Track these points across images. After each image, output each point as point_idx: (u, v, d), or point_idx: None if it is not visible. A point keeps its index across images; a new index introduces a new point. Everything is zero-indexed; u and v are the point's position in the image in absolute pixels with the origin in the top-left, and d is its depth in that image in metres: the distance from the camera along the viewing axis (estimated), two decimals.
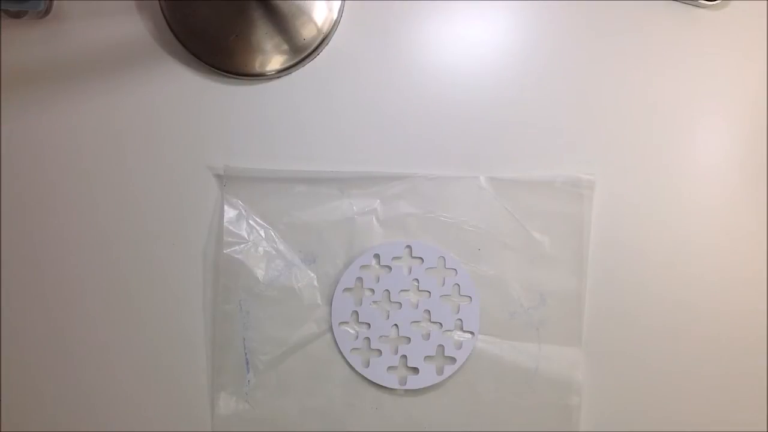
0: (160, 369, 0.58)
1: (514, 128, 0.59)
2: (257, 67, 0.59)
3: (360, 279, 0.58)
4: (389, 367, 0.57)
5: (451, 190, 0.58)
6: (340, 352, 0.57)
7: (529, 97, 0.59)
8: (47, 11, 0.58)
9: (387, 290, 0.58)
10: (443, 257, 0.58)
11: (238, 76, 0.59)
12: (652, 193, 0.59)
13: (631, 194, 0.59)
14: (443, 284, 0.58)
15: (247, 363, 0.57)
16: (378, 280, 0.58)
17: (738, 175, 0.59)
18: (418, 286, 0.58)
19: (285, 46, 0.59)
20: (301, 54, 0.59)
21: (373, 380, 0.57)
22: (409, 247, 0.58)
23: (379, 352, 0.57)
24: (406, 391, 0.57)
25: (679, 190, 0.59)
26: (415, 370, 0.57)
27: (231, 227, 0.57)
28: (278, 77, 0.59)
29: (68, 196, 0.58)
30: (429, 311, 0.57)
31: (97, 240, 0.58)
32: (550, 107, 0.59)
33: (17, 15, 0.57)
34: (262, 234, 0.58)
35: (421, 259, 0.58)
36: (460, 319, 0.57)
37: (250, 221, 0.58)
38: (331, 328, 0.57)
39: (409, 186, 0.58)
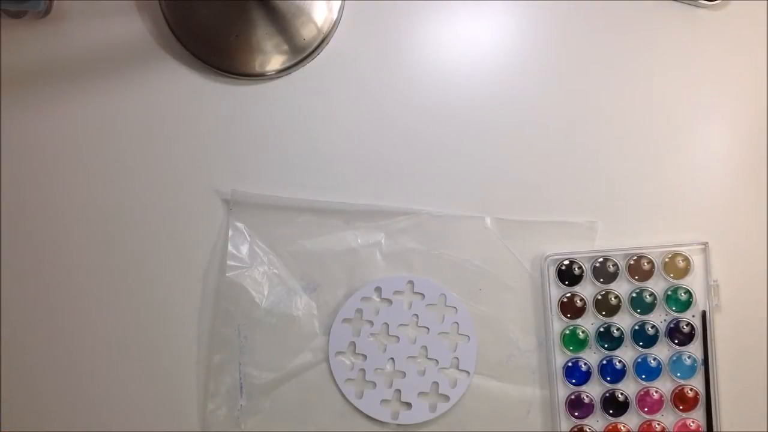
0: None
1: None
2: (257, 67, 0.59)
3: (360, 310, 0.58)
4: (383, 401, 0.57)
5: (456, 229, 0.58)
6: (335, 382, 0.57)
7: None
8: (47, 11, 0.57)
9: (386, 323, 0.58)
10: (444, 295, 0.58)
11: (238, 76, 0.59)
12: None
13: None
14: (442, 321, 0.58)
15: (241, 388, 0.57)
16: (378, 312, 0.58)
17: (737, 175, 0.60)
18: (417, 322, 0.58)
19: (285, 46, 0.58)
20: (301, 54, 0.59)
21: (365, 412, 0.57)
22: (411, 282, 0.58)
23: (374, 384, 0.57)
24: (398, 425, 0.57)
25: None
26: (408, 405, 0.57)
27: (234, 251, 0.57)
28: (278, 77, 0.59)
29: (68, 197, 0.58)
30: (426, 347, 0.58)
31: (97, 242, 0.58)
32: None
33: (17, 15, 0.56)
34: (265, 260, 0.57)
35: (422, 295, 0.58)
36: (457, 358, 0.57)
37: (254, 246, 0.57)
38: (327, 358, 0.57)
39: (414, 222, 0.58)
